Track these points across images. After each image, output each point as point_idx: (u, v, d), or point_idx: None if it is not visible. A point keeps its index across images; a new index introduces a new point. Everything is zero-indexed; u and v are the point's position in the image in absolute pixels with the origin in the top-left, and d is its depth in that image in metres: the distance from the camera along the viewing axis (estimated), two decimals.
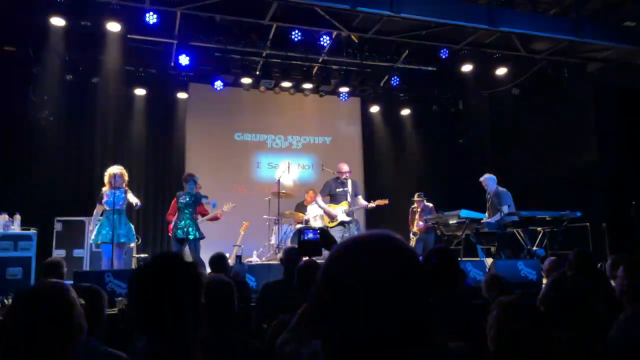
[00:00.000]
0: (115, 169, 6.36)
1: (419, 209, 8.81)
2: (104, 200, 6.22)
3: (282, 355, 1.73)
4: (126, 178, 6.42)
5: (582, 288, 1.77)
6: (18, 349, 1.31)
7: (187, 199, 6.83)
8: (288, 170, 8.92)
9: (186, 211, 6.80)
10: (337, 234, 7.29)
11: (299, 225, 8.42)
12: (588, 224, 8.13)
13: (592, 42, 7.64)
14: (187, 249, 6.80)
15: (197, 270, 1.30)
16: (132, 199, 6.33)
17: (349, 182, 7.57)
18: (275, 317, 3.27)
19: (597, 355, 1.76)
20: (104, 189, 6.35)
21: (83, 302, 1.46)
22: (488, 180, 7.59)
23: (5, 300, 5.18)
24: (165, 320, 1.21)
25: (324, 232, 6.27)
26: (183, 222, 6.74)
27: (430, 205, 8.94)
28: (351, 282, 0.76)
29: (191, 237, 6.63)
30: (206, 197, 7.10)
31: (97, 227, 6.25)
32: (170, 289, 1.23)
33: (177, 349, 1.22)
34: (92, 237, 6.34)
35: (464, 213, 6.82)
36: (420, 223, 8.71)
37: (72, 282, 5.04)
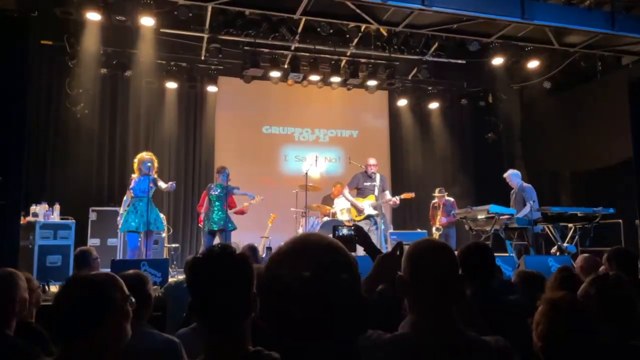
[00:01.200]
0: (144, 155, 6.50)
1: (440, 204, 8.80)
2: (131, 187, 6.36)
3: None
4: (156, 165, 6.53)
5: (624, 287, 1.78)
6: (67, 331, 1.41)
7: (219, 191, 6.94)
8: (315, 163, 8.98)
9: (217, 203, 6.92)
10: (364, 228, 7.31)
11: (325, 218, 8.49)
12: (621, 220, 7.99)
13: (628, 35, 7.45)
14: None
15: (250, 262, 1.36)
16: (163, 185, 6.47)
17: (377, 176, 7.60)
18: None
19: (630, 353, 1.77)
20: (133, 175, 6.52)
21: (134, 299, 1.56)
22: (512, 176, 7.51)
23: (47, 287, 5.39)
24: (223, 310, 1.29)
25: (358, 228, 6.29)
26: (216, 215, 6.85)
27: (452, 200, 8.92)
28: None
29: (229, 228, 6.78)
30: (237, 188, 7.21)
31: (124, 215, 6.40)
32: (228, 280, 1.30)
33: (233, 338, 1.29)
34: (120, 225, 6.50)
35: (494, 208, 6.77)
36: (443, 218, 8.70)
37: (109, 269, 5.23)
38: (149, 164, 6.37)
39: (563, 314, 1.45)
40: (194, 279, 1.37)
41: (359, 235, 2.17)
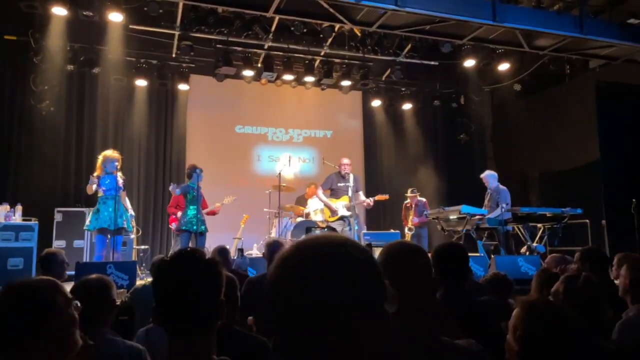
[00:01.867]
0: (111, 154, 6.09)
1: (412, 204, 8.87)
2: (96, 186, 5.93)
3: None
4: (119, 164, 6.09)
5: (594, 288, 1.78)
6: (3, 341, 1.25)
7: (196, 194, 6.70)
8: (289, 163, 8.92)
9: (194, 204, 6.70)
10: (337, 229, 7.32)
11: (299, 219, 8.43)
12: (588, 220, 8.18)
13: (596, 39, 7.63)
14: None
15: (220, 267, 1.30)
16: (127, 203, 6.30)
17: (351, 177, 7.58)
18: (259, 310, 3.26)
19: (601, 353, 1.77)
20: (95, 174, 6.07)
21: (79, 304, 1.38)
22: (489, 177, 7.62)
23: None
24: (188, 315, 1.22)
25: (331, 229, 6.27)
26: (194, 216, 6.64)
27: (424, 200, 8.99)
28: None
29: (202, 230, 6.59)
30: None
31: (91, 214, 6.05)
32: (195, 284, 1.23)
33: (197, 344, 1.23)
34: (87, 223, 6.08)
35: (465, 209, 6.84)
36: (415, 218, 8.76)
37: (74, 272, 5.04)
38: (116, 163, 6.05)
39: (541, 317, 1.43)
40: (159, 281, 1.30)
41: None
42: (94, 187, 5.95)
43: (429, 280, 1.49)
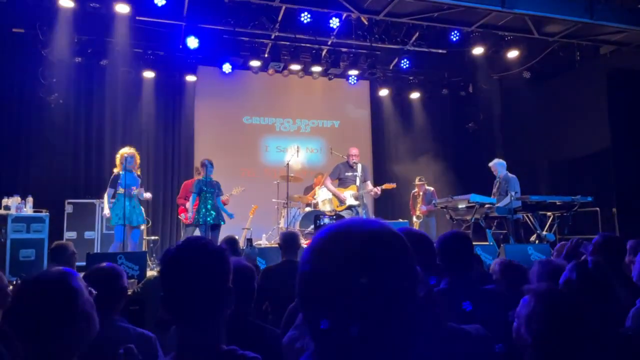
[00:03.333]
0: (127, 150, 6.33)
1: (420, 193, 8.86)
2: (119, 183, 6.15)
3: (292, 352, 1.73)
4: (138, 161, 6.40)
5: (604, 273, 1.76)
6: (25, 335, 1.31)
7: (206, 188, 6.73)
8: (297, 153, 8.91)
9: (208, 199, 6.74)
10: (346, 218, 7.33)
11: (307, 209, 8.45)
12: (598, 208, 8.10)
13: (607, 25, 7.52)
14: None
15: (227, 254, 1.30)
16: (147, 194, 6.39)
17: (359, 166, 7.57)
18: (274, 300, 3.29)
19: (617, 341, 1.76)
20: (115, 170, 6.33)
21: (94, 291, 1.44)
22: (497, 165, 7.56)
23: (19, 282, 5.25)
24: (195, 304, 1.23)
25: (339, 217, 6.26)
26: (207, 210, 6.70)
27: (431, 189, 8.98)
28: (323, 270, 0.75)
29: (214, 222, 6.65)
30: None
31: (113, 210, 6.20)
32: (202, 272, 1.24)
33: (205, 333, 1.23)
34: (111, 218, 6.27)
35: (474, 197, 6.81)
36: (423, 207, 8.76)
37: (84, 263, 5.10)
38: (132, 160, 6.24)
39: (556, 308, 1.41)
40: (167, 270, 1.30)
41: None
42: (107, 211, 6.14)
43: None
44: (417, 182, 8.97)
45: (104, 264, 2.21)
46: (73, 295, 1.33)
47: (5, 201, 6.14)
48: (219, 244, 5.01)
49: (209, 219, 6.62)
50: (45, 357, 1.32)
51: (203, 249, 1.27)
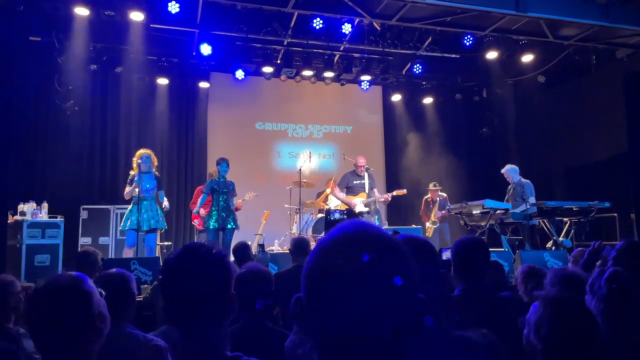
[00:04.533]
0: (142, 151, 6.31)
1: (434, 199, 8.81)
2: (138, 183, 6.06)
3: (294, 357, 1.71)
4: (155, 161, 6.36)
5: (627, 282, 1.71)
6: (43, 338, 1.36)
7: (219, 189, 6.54)
8: (309, 159, 8.90)
9: (221, 200, 6.57)
10: None
11: (319, 215, 8.43)
12: (616, 214, 7.96)
13: (623, 28, 7.41)
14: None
15: (229, 261, 1.28)
16: (165, 202, 6.35)
17: (366, 175, 7.57)
18: (285, 306, 3.28)
19: (633, 351, 1.70)
20: (131, 172, 6.30)
21: (103, 292, 1.49)
22: (510, 171, 7.47)
23: (33, 288, 5.28)
24: (197, 313, 1.20)
25: (350, 212, 6.21)
26: (219, 213, 6.53)
27: (444, 195, 8.91)
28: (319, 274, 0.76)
29: (229, 226, 6.47)
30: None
31: (127, 213, 6.19)
32: (202, 282, 1.21)
33: (209, 341, 1.21)
34: (122, 224, 6.26)
35: (489, 203, 6.72)
36: (439, 212, 8.69)
37: None
38: (148, 160, 6.19)
39: (567, 315, 1.38)
40: (167, 280, 1.28)
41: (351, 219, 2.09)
42: (136, 189, 6.06)
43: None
44: (431, 187, 8.90)
45: (113, 269, 2.20)
46: (87, 297, 1.39)
47: (21, 207, 6.21)
48: (232, 249, 5.00)
49: (220, 222, 6.43)
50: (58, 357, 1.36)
51: (203, 257, 1.25)
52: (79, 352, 1.38)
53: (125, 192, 6.30)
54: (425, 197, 9.06)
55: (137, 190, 6.05)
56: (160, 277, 1.29)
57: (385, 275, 0.72)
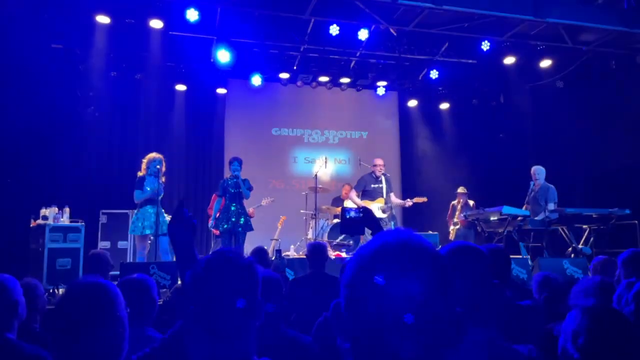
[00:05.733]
0: (153, 155, 6.21)
1: (461, 202, 8.72)
2: (146, 186, 6.02)
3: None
4: (163, 168, 6.22)
5: None
6: (66, 339, 1.40)
7: (233, 190, 6.39)
8: (325, 165, 8.93)
9: (232, 201, 6.43)
10: None
11: (335, 220, 8.42)
12: (637, 221, 7.81)
13: None
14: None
15: (256, 267, 1.30)
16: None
17: (384, 178, 7.51)
18: (302, 312, 3.29)
19: None
20: (139, 173, 6.21)
21: (128, 308, 1.55)
22: (539, 172, 7.35)
23: (55, 290, 5.39)
24: (226, 320, 1.22)
25: (366, 210, 6.18)
26: (231, 214, 6.37)
27: (472, 202, 8.81)
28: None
29: (240, 229, 6.30)
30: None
31: (134, 217, 6.17)
32: (231, 289, 1.23)
33: (237, 348, 1.23)
34: (131, 228, 6.23)
35: (507, 209, 6.65)
36: (462, 215, 8.61)
37: (118, 272, 5.20)
38: (158, 166, 6.17)
39: (606, 325, 1.37)
40: (197, 284, 1.30)
41: (367, 218, 2.11)
42: (142, 195, 6.04)
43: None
44: (460, 190, 8.82)
45: (135, 275, 2.24)
46: (114, 299, 1.45)
47: (43, 211, 6.32)
48: (249, 254, 5.04)
49: (232, 225, 6.29)
50: (84, 358, 1.40)
51: (233, 264, 1.27)
52: (100, 354, 1.42)
53: (135, 197, 6.18)
54: (453, 202, 8.99)
55: (149, 192, 6.04)
56: (187, 283, 1.31)
57: (422, 292, 0.73)
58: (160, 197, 6.22)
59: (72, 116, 8.57)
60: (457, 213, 8.71)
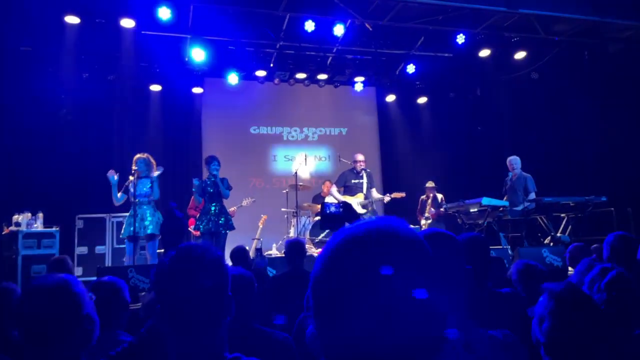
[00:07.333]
0: (139, 155, 6.11)
1: (430, 195, 8.84)
2: (130, 191, 5.92)
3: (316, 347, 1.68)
4: (154, 164, 6.12)
5: (627, 284, 1.69)
6: (31, 339, 1.38)
7: (212, 190, 6.28)
8: (305, 162, 8.88)
9: (211, 200, 6.32)
10: None
11: (317, 217, 8.39)
12: (613, 209, 7.95)
13: (615, 22, 7.42)
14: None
15: (225, 262, 1.26)
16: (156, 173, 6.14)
17: (365, 173, 7.50)
18: (281, 310, 3.26)
19: (633, 344, 1.68)
20: (130, 177, 6.09)
21: (93, 296, 1.53)
22: (516, 162, 7.44)
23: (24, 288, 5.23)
24: (194, 316, 1.18)
25: (347, 205, 6.17)
26: (210, 214, 6.26)
27: (441, 196, 8.92)
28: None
29: (220, 229, 6.16)
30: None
31: (126, 220, 6.05)
32: (199, 285, 1.19)
33: (207, 344, 1.19)
34: (122, 230, 6.10)
35: (486, 201, 6.70)
36: (432, 209, 8.70)
37: (95, 278, 5.08)
38: (142, 164, 6.02)
39: (571, 308, 1.35)
40: (162, 284, 1.25)
41: (347, 212, 2.08)
42: (119, 196, 5.94)
43: None
44: (428, 185, 8.89)
45: (105, 277, 2.17)
46: (77, 298, 1.42)
47: (16, 217, 6.17)
48: (229, 253, 4.95)
49: (213, 225, 6.18)
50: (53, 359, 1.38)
51: (199, 259, 1.22)
52: (68, 354, 1.39)
53: (114, 198, 6.09)
54: (422, 197, 9.07)
55: (130, 197, 5.96)
56: (154, 279, 1.26)
57: (405, 288, 0.63)
58: (151, 198, 6.08)
59: (44, 119, 8.36)
60: (427, 207, 8.79)
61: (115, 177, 5.87)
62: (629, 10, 7.35)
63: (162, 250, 7.00)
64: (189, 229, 8.04)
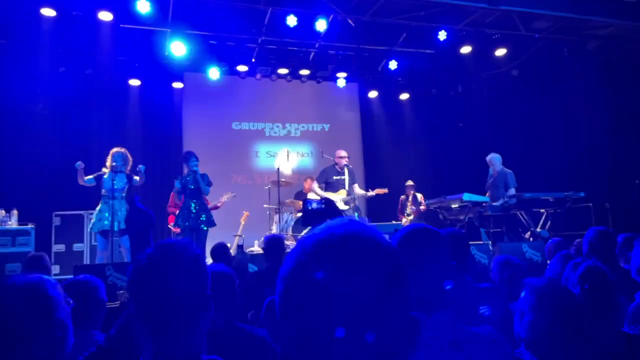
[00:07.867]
0: (115, 149, 5.99)
1: (410, 193, 8.91)
2: (103, 185, 5.80)
3: None
4: (130, 161, 6.02)
5: (601, 278, 1.69)
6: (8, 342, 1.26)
7: (193, 186, 6.18)
8: (287, 158, 8.83)
9: (191, 197, 6.21)
10: None
11: (299, 214, 8.35)
12: (591, 204, 8.07)
13: (593, 19, 7.52)
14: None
15: (204, 260, 1.21)
16: (137, 178, 6.04)
17: (347, 170, 7.46)
18: (260, 305, 3.22)
19: (618, 340, 1.69)
20: (104, 169, 5.98)
21: (71, 301, 1.41)
22: (495, 159, 7.50)
23: None
24: (172, 315, 1.13)
25: (329, 202, 6.13)
26: (190, 210, 6.15)
27: (420, 195, 8.99)
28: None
29: (201, 226, 6.08)
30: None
31: (96, 214, 5.93)
32: (177, 283, 1.14)
33: (184, 344, 1.15)
34: (90, 224, 5.99)
35: (467, 196, 6.74)
36: (413, 207, 8.77)
37: (72, 276, 4.97)
38: (119, 158, 5.91)
39: (552, 303, 1.34)
40: (138, 282, 1.21)
41: (329, 209, 2.05)
42: (85, 179, 5.85)
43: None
44: (408, 183, 8.95)
45: (80, 276, 2.11)
46: (50, 302, 1.29)
47: None
48: (210, 250, 4.89)
49: (193, 221, 6.09)
50: None
51: (177, 258, 1.17)
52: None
53: (79, 179, 5.96)
54: (401, 196, 9.13)
55: (103, 191, 5.83)
56: (129, 279, 1.20)
57: (365, 292, 0.63)
58: (122, 193, 5.98)
59: (19, 114, 8.16)
60: (408, 204, 8.86)
61: (82, 166, 5.75)
62: (608, 8, 7.45)
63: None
64: (169, 225, 7.94)
